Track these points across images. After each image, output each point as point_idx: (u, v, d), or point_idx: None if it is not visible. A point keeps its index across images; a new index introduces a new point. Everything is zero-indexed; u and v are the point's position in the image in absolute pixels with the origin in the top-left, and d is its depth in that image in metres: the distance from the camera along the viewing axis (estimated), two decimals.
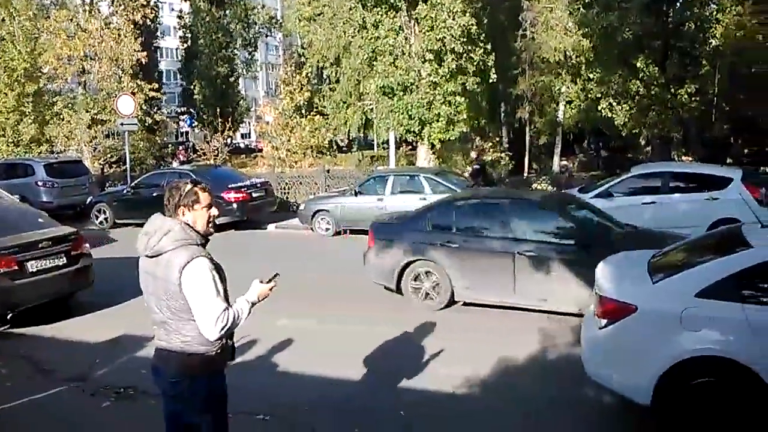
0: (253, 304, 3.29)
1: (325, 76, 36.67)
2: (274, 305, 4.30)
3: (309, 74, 30.02)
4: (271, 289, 3.36)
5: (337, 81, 32.77)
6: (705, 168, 14.15)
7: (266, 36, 53.66)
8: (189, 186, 3.31)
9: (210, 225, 3.36)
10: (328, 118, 31.57)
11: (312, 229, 15.35)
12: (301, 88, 25.75)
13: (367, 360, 6.60)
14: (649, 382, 4.62)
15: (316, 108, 30.18)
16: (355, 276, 9.75)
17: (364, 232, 14.61)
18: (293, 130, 24.74)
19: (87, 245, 9.15)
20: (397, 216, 10.15)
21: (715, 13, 18.78)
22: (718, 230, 6.00)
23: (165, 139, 38.58)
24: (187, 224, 3.25)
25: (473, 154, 17.67)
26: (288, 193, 19.54)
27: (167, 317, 3.23)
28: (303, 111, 27.16)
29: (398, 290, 8.74)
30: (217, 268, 3.25)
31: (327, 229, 15.17)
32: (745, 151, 32.58)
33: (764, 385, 4.34)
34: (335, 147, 36.15)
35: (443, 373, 6.20)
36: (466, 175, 17.61)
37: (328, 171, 19.70)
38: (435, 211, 9.14)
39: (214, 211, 3.37)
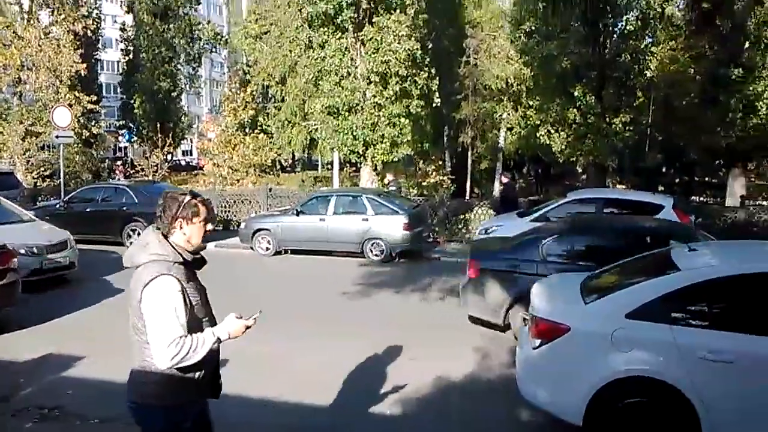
0: (220, 340, 3.04)
1: (270, 95, 36.50)
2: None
3: (254, 92, 29.79)
4: (248, 327, 3.14)
5: (283, 100, 32.66)
6: (638, 195, 14.60)
7: (211, 52, 52.98)
8: (188, 197, 3.11)
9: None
10: (272, 137, 31.37)
11: (252, 248, 15.12)
12: (245, 106, 25.52)
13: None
14: (581, 402, 4.66)
15: (260, 126, 29.94)
16: (299, 295, 9.62)
17: (305, 252, 14.64)
18: (236, 147, 24.45)
19: (15, 260, 8.72)
20: (499, 240, 9.39)
21: (649, 46, 19.55)
22: (650, 253, 6.16)
23: (102, 153, 37.52)
24: (167, 239, 3.07)
25: (503, 179, 17.64)
26: (229, 211, 19.24)
27: (133, 335, 3.05)
28: (247, 129, 26.91)
29: (505, 327, 8.07)
30: (186, 290, 3.01)
31: (267, 249, 14.97)
32: (677, 180, 33.96)
33: (691, 406, 4.45)
34: (279, 166, 35.90)
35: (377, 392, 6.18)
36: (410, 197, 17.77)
37: (270, 190, 19.48)
38: (551, 238, 8.03)
39: (210, 226, 3.20)
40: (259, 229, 15.11)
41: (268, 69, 31.28)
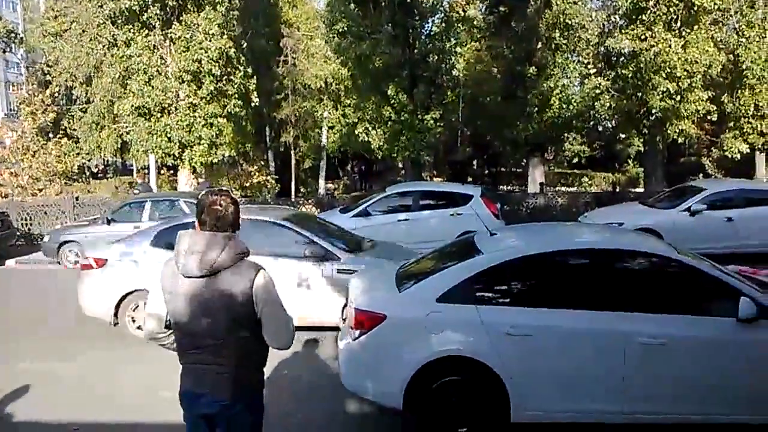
0: None
1: (75, 97, 33.73)
2: (16, 346, 3.73)
3: (56, 94, 27.38)
4: None
5: (89, 101, 30.34)
6: (449, 186, 15.55)
7: (4, 51, 47.81)
8: (232, 199, 3.14)
9: None
10: (78, 142, 29.08)
11: (59, 262, 13.92)
12: (46, 109, 23.41)
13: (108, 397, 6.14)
14: (400, 387, 4.83)
15: (65, 131, 27.60)
16: None
17: None
18: (36, 154, 22.35)
19: None
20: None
21: (455, 46, 20.72)
22: (457, 240, 6.56)
23: None
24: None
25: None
26: (31, 224, 17.54)
27: (223, 336, 3.04)
28: (49, 134, 24.71)
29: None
30: None
31: (76, 262, 13.85)
32: (486, 171, 36.55)
33: (499, 379, 4.79)
34: (88, 173, 33.37)
35: None
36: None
37: (77, 198, 18.04)
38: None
39: None
40: (66, 241, 13.95)
41: (71, 69, 28.87)
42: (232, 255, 3.01)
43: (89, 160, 30.75)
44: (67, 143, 24.37)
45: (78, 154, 27.78)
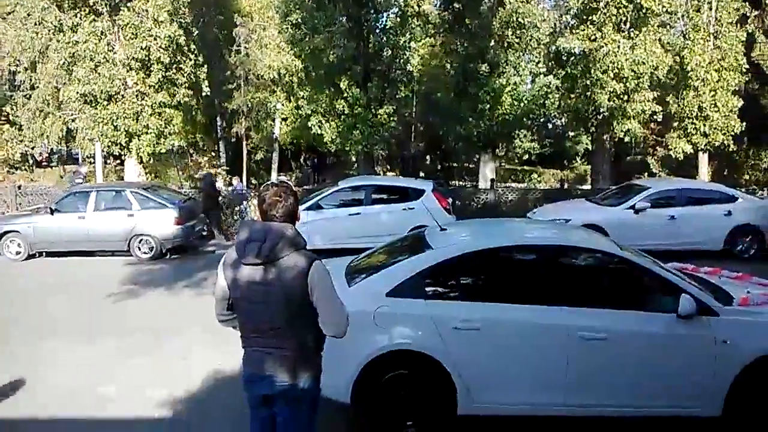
0: None
1: (18, 83, 32.49)
2: None
3: None
4: None
5: (33, 88, 29.27)
6: (402, 181, 15.62)
7: None
8: (291, 191, 3.33)
9: None
10: (22, 129, 28.07)
11: (0, 252, 13.45)
12: None
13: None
14: (348, 381, 4.84)
15: (7, 117, 26.59)
16: (59, 303, 8.76)
17: (63, 255, 13.34)
18: None
19: None
20: None
21: (409, 41, 20.75)
22: (408, 234, 6.58)
23: None
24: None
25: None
26: None
27: (282, 323, 3.20)
28: None
29: None
30: None
31: (18, 253, 13.43)
32: (438, 166, 36.80)
33: (446, 373, 4.84)
34: (32, 161, 32.26)
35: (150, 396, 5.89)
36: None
37: (19, 187, 17.45)
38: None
39: None
40: (7, 231, 13.49)
41: (15, 53, 27.78)
42: (288, 244, 3.18)
43: (32, 148, 29.71)
44: (9, 130, 23.52)
45: (21, 141, 26.83)
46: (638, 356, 4.92)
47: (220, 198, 16.65)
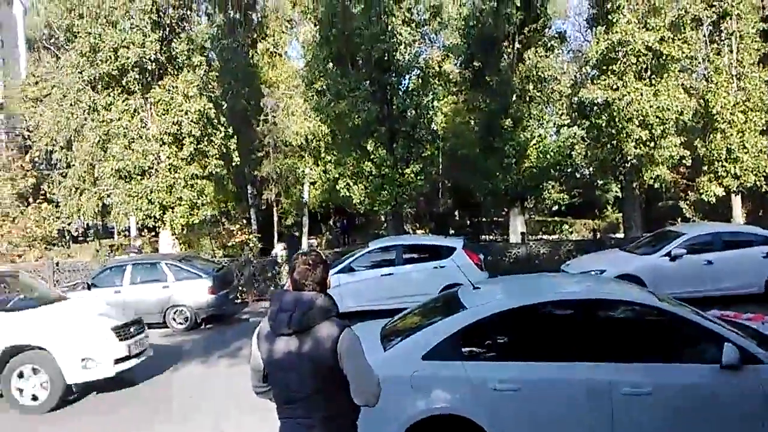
0: None
1: (55, 161, 33.69)
2: None
3: (36, 159, 27.34)
4: None
5: (69, 166, 30.30)
6: (432, 239, 15.61)
7: None
8: (320, 259, 3.35)
9: None
10: (58, 206, 28.90)
11: None
12: (25, 174, 23.36)
13: None
14: None
15: (45, 195, 27.46)
16: None
17: None
18: (15, 220, 22.19)
19: None
20: None
21: (432, 101, 21.09)
22: (441, 295, 6.55)
23: None
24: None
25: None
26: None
27: (311, 392, 3.17)
28: (29, 199, 24.59)
29: None
30: None
31: None
32: (467, 221, 36.74)
33: None
34: (68, 237, 33.06)
35: None
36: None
37: (57, 264, 17.82)
38: None
39: None
40: None
41: (51, 133, 28.94)
42: (319, 313, 3.19)
43: (69, 224, 30.49)
44: (47, 208, 24.23)
45: (58, 218, 27.56)
46: (683, 410, 4.77)
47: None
